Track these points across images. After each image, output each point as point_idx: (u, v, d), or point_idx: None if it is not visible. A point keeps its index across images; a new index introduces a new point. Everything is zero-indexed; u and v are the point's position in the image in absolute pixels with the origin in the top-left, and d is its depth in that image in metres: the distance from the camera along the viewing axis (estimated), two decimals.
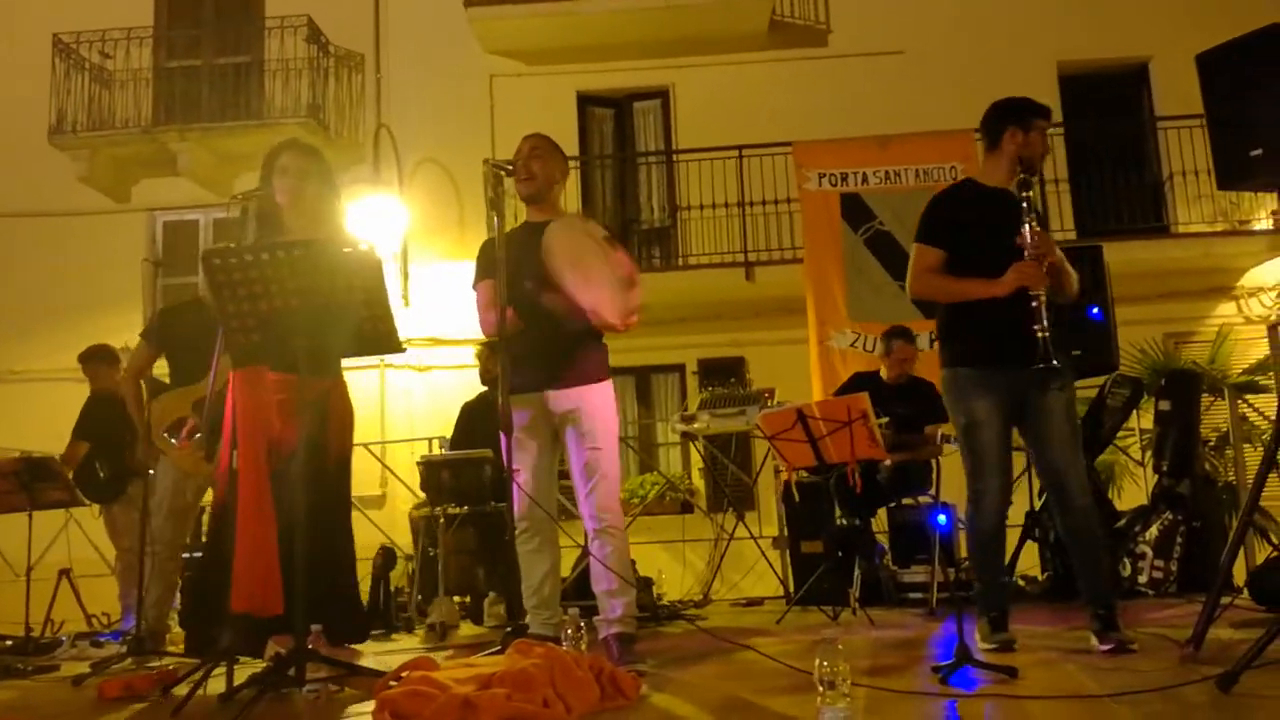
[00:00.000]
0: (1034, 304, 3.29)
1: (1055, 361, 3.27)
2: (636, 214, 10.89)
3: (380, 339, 3.05)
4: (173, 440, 4.38)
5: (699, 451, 8.13)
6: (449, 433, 6.70)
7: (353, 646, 3.51)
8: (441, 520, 5.33)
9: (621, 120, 11.23)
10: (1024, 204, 3.37)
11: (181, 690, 3.03)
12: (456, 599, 5.57)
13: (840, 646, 2.02)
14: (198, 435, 4.30)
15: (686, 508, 9.15)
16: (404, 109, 10.72)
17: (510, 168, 3.52)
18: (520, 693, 2.43)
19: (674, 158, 10.52)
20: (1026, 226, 3.35)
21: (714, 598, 6.52)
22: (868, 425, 4.38)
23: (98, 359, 5.88)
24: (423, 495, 5.70)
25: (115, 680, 3.28)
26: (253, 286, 2.91)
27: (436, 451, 7.04)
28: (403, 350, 3.17)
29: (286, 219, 3.47)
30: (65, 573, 5.90)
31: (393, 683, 2.62)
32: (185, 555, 5.70)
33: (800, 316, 8.77)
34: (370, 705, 2.53)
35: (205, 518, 6.07)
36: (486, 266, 3.58)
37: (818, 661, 2.00)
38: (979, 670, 2.78)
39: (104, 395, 5.68)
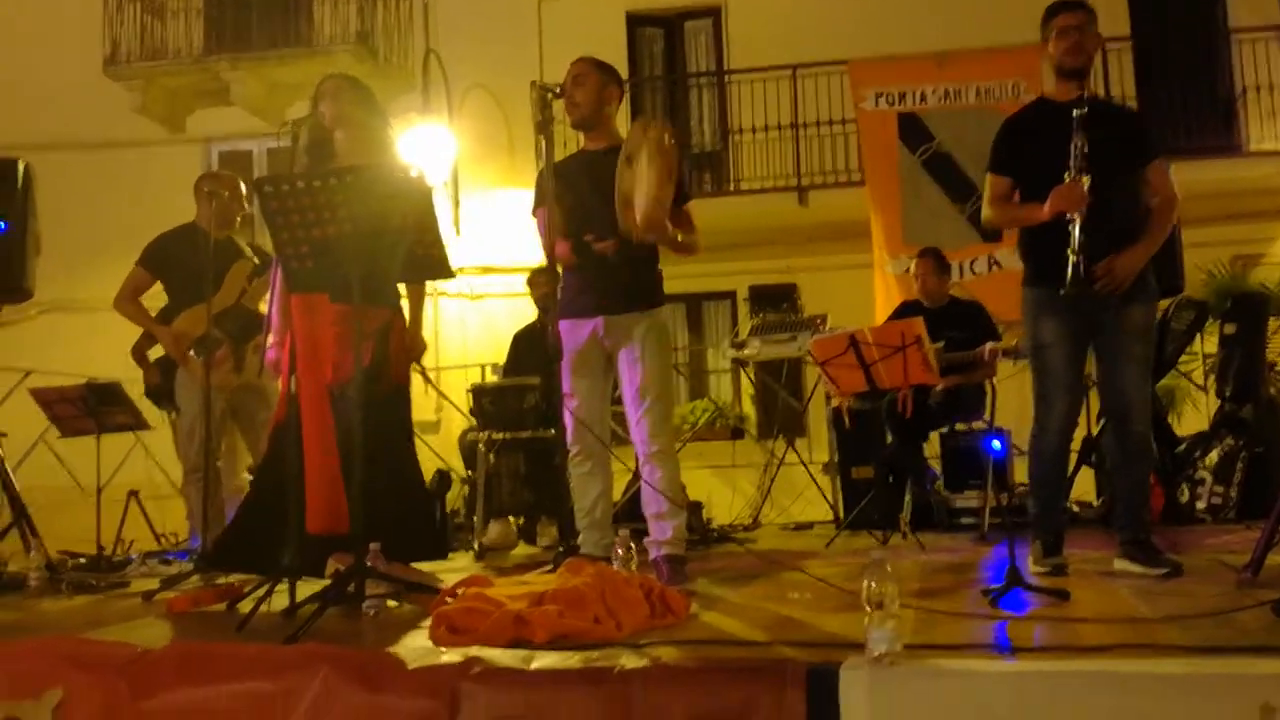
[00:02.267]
0: (1069, 227, 3.21)
1: (1085, 287, 3.19)
2: (687, 138, 10.73)
3: (432, 264, 3.07)
4: (194, 357, 4.44)
5: (749, 378, 8.13)
6: (500, 359, 6.77)
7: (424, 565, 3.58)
8: (481, 446, 5.40)
9: (672, 40, 11.02)
10: (1073, 122, 3.26)
11: (246, 606, 3.15)
12: (512, 520, 5.67)
13: (889, 567, 2.03)
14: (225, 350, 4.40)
15: (737, 434, 9.17)
16: (452, 34, 10.61)
17: (558, 90, 3.48)
18: (572, 610, 2.48)
19: (726, 79, 10.31)
20: (1072, 146, 3.25)
21: (763, 522, 6.57)
22: (921, 350, 4.32)
23: None
24: (475, 421, 5.79)
25: (183, 596, 3.41)
26: (305, 214, 2.93)
27: (490, 379, 7.11)
28: (454, 276, 3.18)
29: (338, 146, 3.48)
30: (134, 494, 6.11)
31: (449, 599, 2.69)
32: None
33: (854, 242, 8.64)
34: (427, 621, 2.61)
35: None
36: (545, 193, 3.57)
37: (865, 582, 2.00)
38: (1030, 593, 2.78)
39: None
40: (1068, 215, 3.22)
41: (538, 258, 3.80)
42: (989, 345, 4.86)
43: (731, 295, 10.37)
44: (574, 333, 3.57)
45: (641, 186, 3.33)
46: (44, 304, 5.55)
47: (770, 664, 2.05)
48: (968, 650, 2.16)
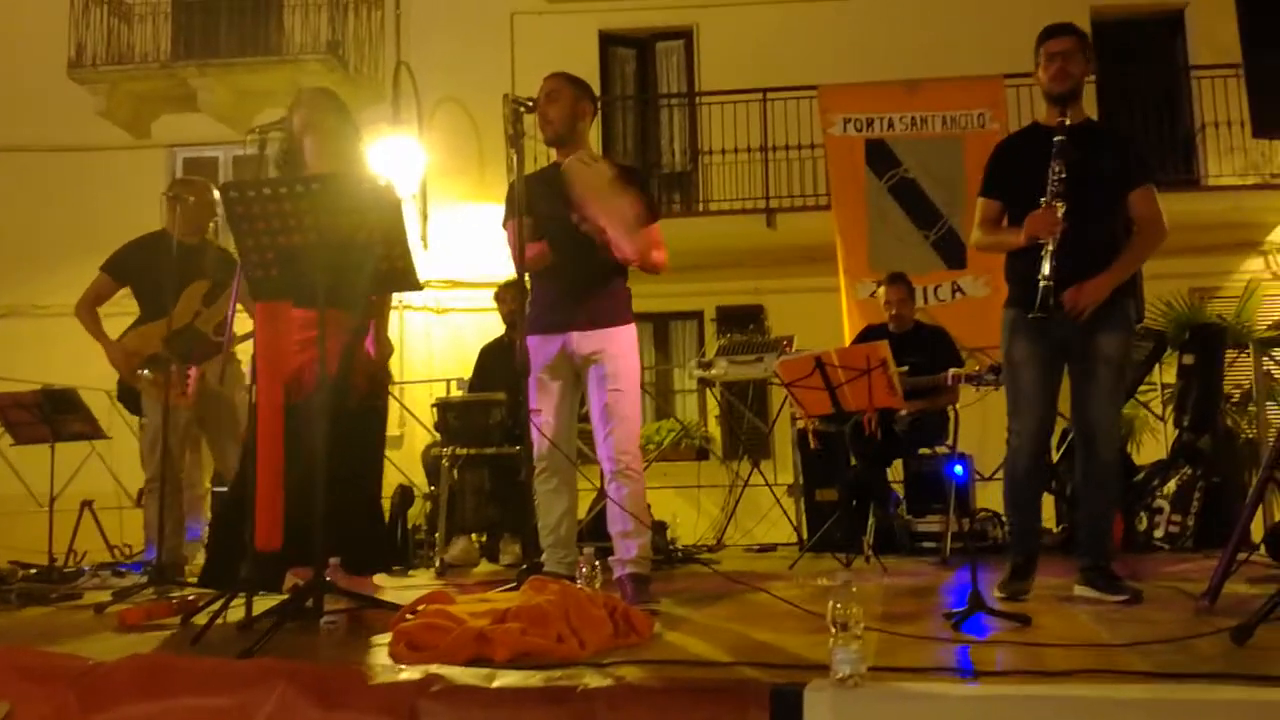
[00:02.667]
0: (1041, 252, 3.25)
1: (1054, 312, 3.23)
2: (658, 158, 10.78)
3: (398, 276, 3.05)
4: (146, 375, 4.42)
5: (715, 398, 8.14)
6: (465, 374, 6.70)
7: (373, 578, 3.54)
8: (445, 462, 5.36)
9: (644, 61, 11.07)
10: (1054, 148, 3.31)
11: (201, 620, 3.08)
12: (474, 537, 5.62)
13: (854, 589, 2.02)
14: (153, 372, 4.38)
15: (702, 454, 9.17)
16: (424, 47, 10.60)
17: (530, 104, 3.47)
18: (535, 628, 2.45)
19: (696, 100, 10.38)
20: (1049, 171, 3.29)
21: (727, 543, 6.56)
22: (886, 374, 4.35)
23: None
24: (439, 436, 5.74)
25: (137, 608, 3.34)
26: (271, 221, 2.90)
27: (456, 394, 7.07)
28: (420, 288, 3.16)
29: (307, 155, 3.45)
30: (88, 504, 5.98)
31: (409, 615, 2.65)
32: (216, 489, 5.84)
33: (821, 265, 8.69)
34: (387, 637, 2.57)
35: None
36: (517, 205, 3.56)
37: (831, 604, 2.00)
38: (992, 617, 2.79)
39: None
40: (1040, 239, 3.26)
41: (506, 272, 3.79)
42: (952, 371, 4.89)
43: (699, 315, 10.40)
44: (542, 348, 3.55)
45: (611, 213, 3.35)
46: (1, 308, 5.43)
47: (734, 684, 2.03)
48: (931, 673, 2.17)
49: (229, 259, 4.61)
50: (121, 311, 4.78)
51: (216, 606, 3.02)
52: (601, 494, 3.63)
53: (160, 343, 4.40)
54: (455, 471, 5.38)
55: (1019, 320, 3.43)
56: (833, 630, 1.99)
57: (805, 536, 5.96)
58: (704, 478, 8.02)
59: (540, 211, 3.56)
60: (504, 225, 3.70)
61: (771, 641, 2.61)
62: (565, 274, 3.55)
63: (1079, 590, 3.37)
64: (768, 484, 6.49)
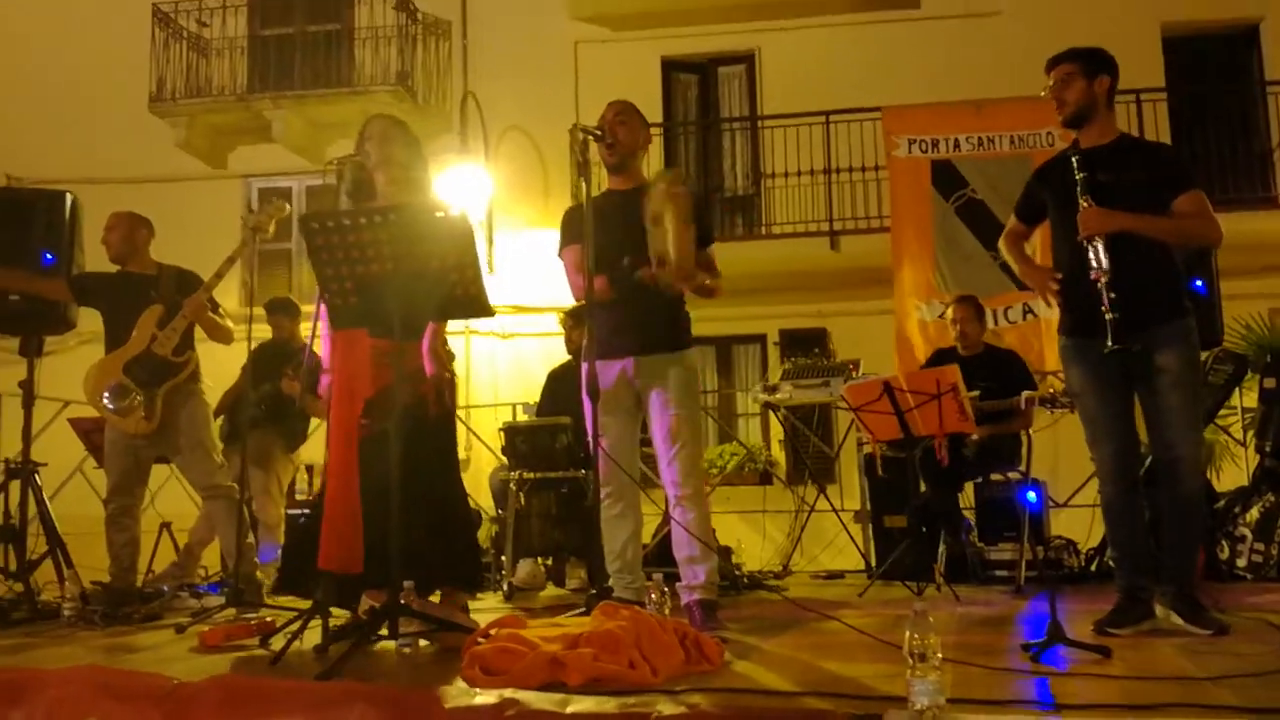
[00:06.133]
0: (1097, 285, 3.22)
1: (1131, 346, 3.17)
2: (720, 182, 10.81)
3: (470, 303, 3.09)
4: (108, 404, 4.53)
5: (779, 422, 8.09)
6: (531, 399, 6.76)
7: (464, 597, 3.56)
8: (512, 486, 5.40)
9: (706, 86, 11.13)
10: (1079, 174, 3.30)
11: (278, 641, 3.15)
12: (540, 560, 5.65)
13: (931, 619, 2.00)
14: (120, 401, 4.50)
15: (765, 478, 9.12)
16: (490, 77, 10.79)
17: (599, 132, 3.52)
18: (607, 653, 2.46)
19: (759, 124, 10.39)
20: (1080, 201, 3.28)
21: (793, 569, 6.50)
22: (957, 398, 4.29)
23: (281, 310, 6.12)
24: (504, 459, 5.79)
25: (216, 630, 3.42)
26: (349, 250, 2.97)
27: (521, 418, 7.13)
28: (493, 314, 3.19)
29: (379, 186, 3.53)
30: (166, 525, 6.13)
31: (480, 639, 2.68)
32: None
33: (885, 287, 8.62)
34: (461, 661, 2.59)
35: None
36: (574, 232, 3.60)
37: (908, 633, 1.97)
38: (1071, 649, 2.72)
39: (278, 344, 5.95)
40: (1093, 276, 3.23)
41: (570, 298, 3.83)
42: (1025, 394, 4.81)
43: (761, 339, 10.37)
44: (604, 373, 3.57)
45: (672, 241, 3.38)
46: (83, 334, 5.61)
47: (809, 714, 2.02)
48: (1011, 706, 2.12)
49: (188, 279, 4.72)
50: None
51: (294, 629, 3.08)
52: (666, 518, 3.63)
53: (119, 371, 4.55)
54: (522, 495, 5.42)
55: (1070, 348, 3.44)
56: (910, 661, 1.96)
57: (873, 564, 5.89)
58: (768, 503, 7.97)
59: (599, 240, 3.60)
60: (559, 254, 3.76)
61: (843, 671, 2.58)
62: (626, 300, 3.57)
63: (1160, 612, 3.26)
64: (834, 509, 6.42)
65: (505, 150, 10.77)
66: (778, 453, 9.67)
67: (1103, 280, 3.21)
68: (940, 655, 1.98)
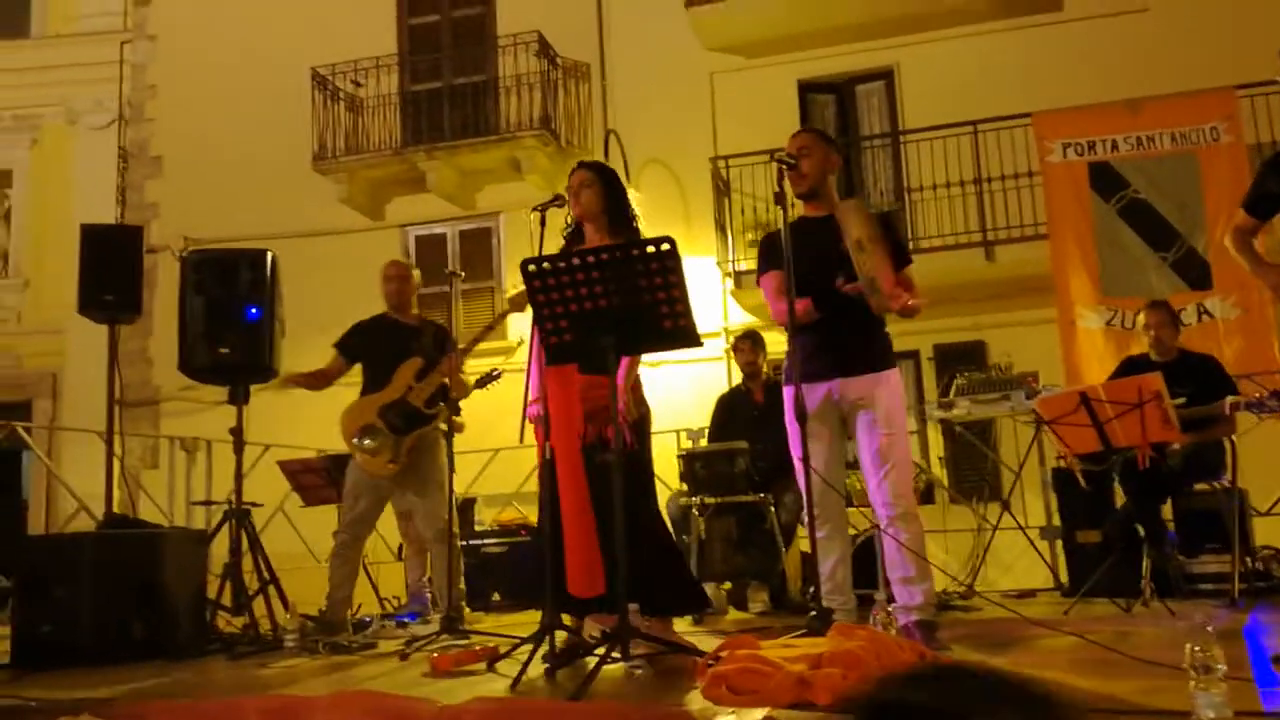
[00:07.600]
0: None
1: None
2: (863, 199, 10.73)
3: (680, 334, 3.18)
4: (359, 444, 4.86)
5: (941, 439, 7.93)
6: (685, 425, 6.81)
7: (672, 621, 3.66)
8: (694, 511, 5.48)
9: (843, 105, 11.10)
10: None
11: (505, 666, 3.28)
12: (723, 585, 5.70)
13: (1210, 630, 1.96)
14: (369, 441, 4.81)
15: (926, 497, 8.93)
16: (629, 113, 11.01)
17: (792, 161, 3.59)
18: (852, 673, 2.48)
19: (901, 138, 10.29)
20: None
21: (978, 589, 6.34)
22: (1161, 406, 4.16)
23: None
24: (676, 485, 5.88)
25: (446, 655, 3.59)
26: (564, 291, 3.12)
27: (685, 444, 7.21)
28: (701, 344, 3.27)
29: (586, 229, 3.71)
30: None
31: (711, 661, 2.74)
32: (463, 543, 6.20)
33: (1043, 295, 8.39)
34: (696, 681, 2.65)
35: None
36: (774, 258, 3.67)
37: (1188, 646, 1.95)
38: None
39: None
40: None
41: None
42: (1230, 399, 4.61)
43: (915, 355, 10.20)
44: (809, 395, 3.61)
45: (879, 264, 3.41)
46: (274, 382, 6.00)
47: None
48: None
49: (445, 335, 4.98)
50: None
51: (527, 651, 3.21)
52: (874, 535, 3.63)
53: (374, 414, 4.86)
54: (702, 521, 5.49)
55: None
56: (1193, 674, 1.94)
57: (1065, 580, 5.70)
58: (929, 521, 7.78)
59: (797, 265, 3.65)
60: (758, 280, 3.83)
61: (1098, 689, 2.53)
62: (827, 322, 3.61)
63: None
64: (1020, 526, 6.25)
65: (646, 182, 10.95)
66: (937, 470, 9.47)
67: None
68: (1224, 667, 1.94)
